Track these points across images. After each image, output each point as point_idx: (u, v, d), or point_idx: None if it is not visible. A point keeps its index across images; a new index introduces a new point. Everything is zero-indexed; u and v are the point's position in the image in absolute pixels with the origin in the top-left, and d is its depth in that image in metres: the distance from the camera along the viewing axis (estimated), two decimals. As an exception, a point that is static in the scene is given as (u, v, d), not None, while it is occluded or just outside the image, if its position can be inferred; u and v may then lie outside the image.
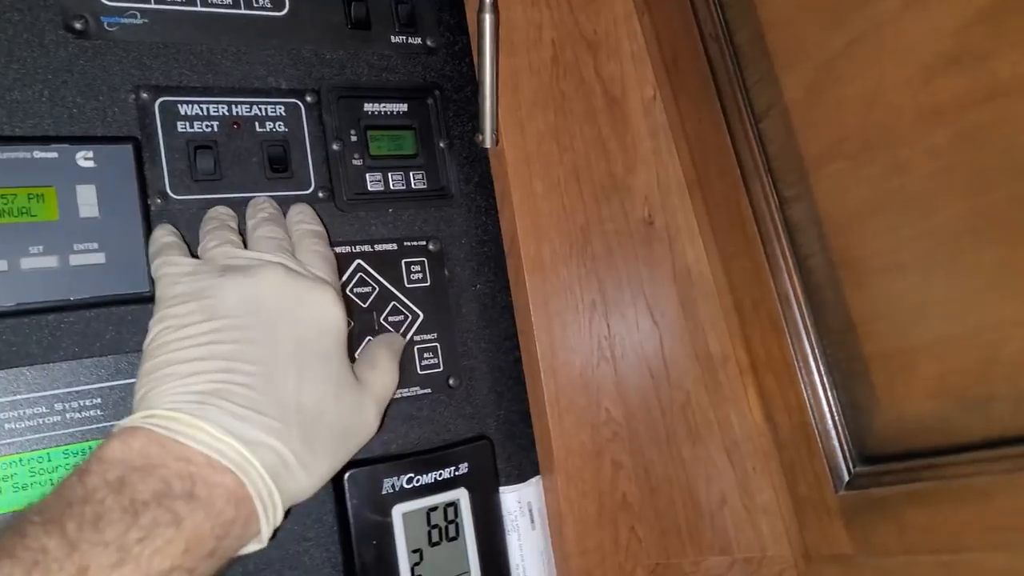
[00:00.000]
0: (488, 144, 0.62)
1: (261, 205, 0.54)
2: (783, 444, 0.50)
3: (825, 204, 0.48)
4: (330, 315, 0.46)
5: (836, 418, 0.48)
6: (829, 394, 0.48)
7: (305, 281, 0.46)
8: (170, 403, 0.39)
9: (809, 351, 0.49)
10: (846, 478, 0.47)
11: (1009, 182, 0.39)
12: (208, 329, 0.42)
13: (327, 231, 0.56)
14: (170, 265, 0.46)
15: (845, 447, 0.47)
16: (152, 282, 0.51)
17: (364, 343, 0.57)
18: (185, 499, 0.37)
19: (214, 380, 0.40)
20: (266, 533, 0.41)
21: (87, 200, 0.50)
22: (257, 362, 0.42)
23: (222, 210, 0.53)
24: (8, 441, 0.47)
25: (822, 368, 0.48)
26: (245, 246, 0.50)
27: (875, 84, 0.44)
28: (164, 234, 0.50)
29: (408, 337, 0.59)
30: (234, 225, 0.52)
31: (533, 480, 0.62)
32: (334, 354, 0.46)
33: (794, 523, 0.50)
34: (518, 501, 0.61)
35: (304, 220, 0.53)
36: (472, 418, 0.62)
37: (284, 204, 0.57)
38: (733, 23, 0.52)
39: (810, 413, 0.48)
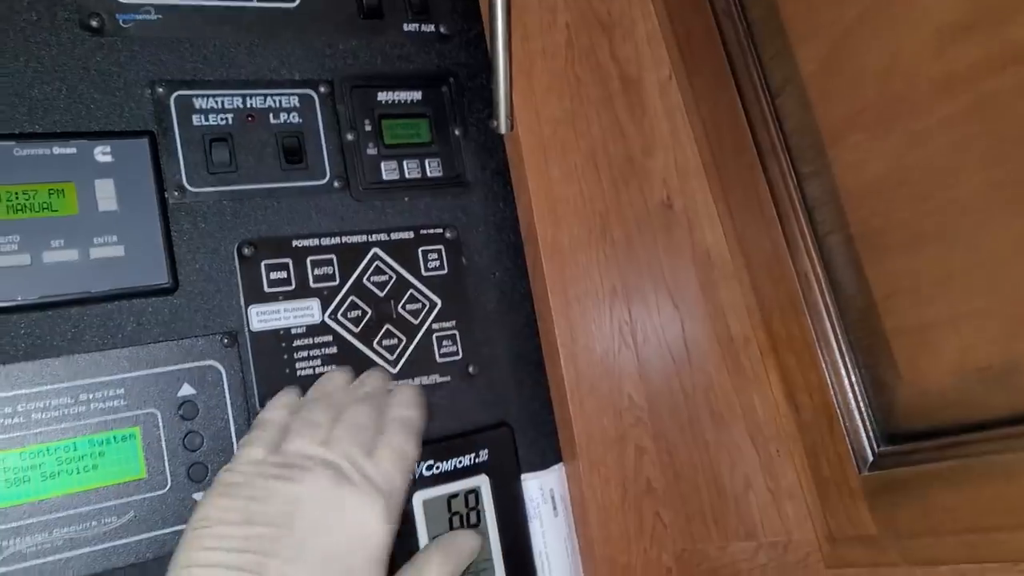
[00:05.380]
0: (503, 130, 0.62)
1: (366, 380, 0.53)
2: (805, 426, 0.49)
3: (843, 179, 0.47)
4: (367, 530, 0.45)
5: (859, 398, 0.47)
6: (851, 373, 0.47)
7: (351, 490, 0.45)
8: None
9: (830, 330, 0.47)
10: (870, 459, 0.46)
11: (1031, 149, 0.38)
12: (241, 535, 0.43)
13: (349, 223, 0.58)
14: (246, 448, 0.47)
15: (868, 427, 0.46)
16: (174, 274, 0.52)
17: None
18: None
19: None
20: None
21: (106, 194, 0.51)
22: None
23: (337, 380, 0.53)
24: (36, 431, 0.48)
25: (843, 347, 0.47)
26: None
27: (891, 54, 0.43)
28: (277, 405, 0.50)
29: (426, 325, 0.59)
30: (337, 399, 0.51)
31: (555, 467, 0.62)
32: (365, 571, 0.44)
33: (817, 505, 0.49)
34: (540, 488, 0.60)
35: (399, 403, 0.51)
36: (493, 406, 0.61)
37: (301, 196, 0.57)
38: (747, -2, 0.51)
39: (832, 393, 0.47)
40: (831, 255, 0.48)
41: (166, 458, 0.51)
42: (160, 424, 0.51)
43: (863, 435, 0.46)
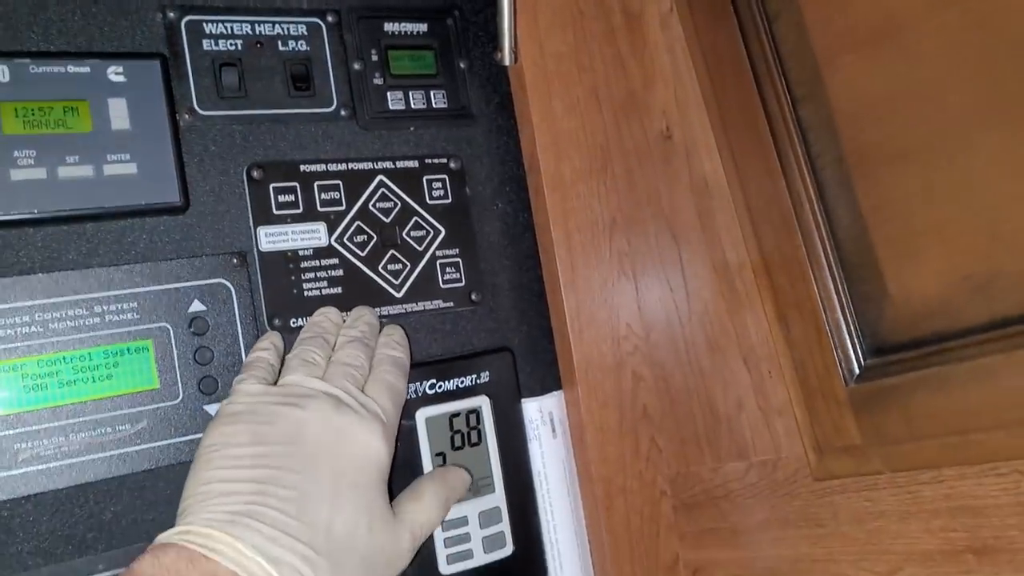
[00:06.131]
0: (507, 62, 0.63)
1: (357, 323, 0.55)
2: (795, 342, 0.51)
3: (836, 99, 0.48)
4: (370, 450, 0.48)
5: (847, 312, 0.48)
6: (840, 289, 0.48)
7: (352, 416, 0.48)
8: (205, 520, 0.42)
9: (820, 247, 0.49)
10: (857, 371, 0.48)
11: (1016, 60, 0.39)
12: (252, 453, 0.45)
13: (355, 151, 0.60)
14: (242, 383, 0.49)
15: (856, 340, 0.48)
16: (185, 193, 0.54)
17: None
18: None
19: (249, 501, 0.42)
20: None
21: (119, 113, 0.52)
22: (292, 488, 0.44)
23: (331, 317, 0.55)
24: (53, 340, 0.50)
25: (833, 264, 0.48)
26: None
27: (883, -30, 0.44)
28: (262, 347, 0.52)
29: (430, 251, 0.61)
30: (330, 338, 0.54)
31: (555, 393, 0.64)
32: (370, 487, 0.47)
33: (806, 418, 0.50)
34: (539, 410, 0.62)
35: (387, 344, 0.55)
36: (495, 333, 0.63)
37: (309, 122, 0.58)
38: (745, -77, 0.52)
39: (821, 309, 0.49)
40: (823, 174, 0.49)
41: (178, 370, 0.53)
42: (172, 338, 0.53)
43: (850, 348, 0.48)
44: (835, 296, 0.48)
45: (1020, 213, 0.39)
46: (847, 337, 0.48)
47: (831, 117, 0.48)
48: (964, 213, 0.41)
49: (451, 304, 0.61)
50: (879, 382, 0.46)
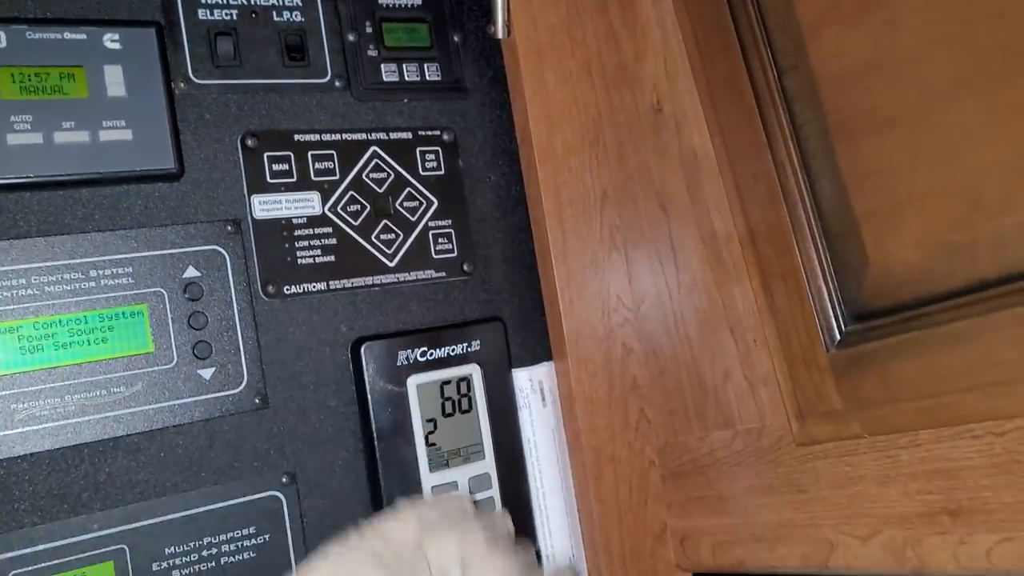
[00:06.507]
0: (500, 35, 0.63)
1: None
2: (779, 310, 0.52)
3: (821, 70, 0.48)
4: None
5: (829, 280, 0.49)
6: (823, 258, 0.49)
7: None
8: None
9: (804, 217, 0.49)
10: (838, 337, 0.48)
11: (995, 28, 0.40)
12: None
13: (349, 121, 0.60)
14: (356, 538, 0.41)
15: (837, 308, 0.48)
16: (180, 160, 0.54)
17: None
18: None
19: None
20: None
21: (115, 80, 0.53)
22: None
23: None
24: (49, 303, 0.51)
25: (816, 233, 0.49)
26: None
27: (868, -59, 0.44)
28: (413, 506, 0.44)
29: (423, 222, 0.62)
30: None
31: (545, 363, 0.65)
32: None
33: (788, 385, 0.51)
34: (529, 379, 0.63)
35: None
36: (486, 303, 0.64)
37: (303, 93, 0.59)
38: None
39: (804, 278, 0.50)
40: (807, 145, 0.49)
41: (172, 335, 0.54)
42: (167, 303, 0.54)
43: (832, 315, 0.49)
44: (818, 265, 0.49)
45: (999, 179, 0.40)
46: (829, 304, 0.49)
47: (815, 88, 0.49)
48: (944, 181, 0.42)
49: (443, 274, 0.62)
50: (859, 347, 0.47)
